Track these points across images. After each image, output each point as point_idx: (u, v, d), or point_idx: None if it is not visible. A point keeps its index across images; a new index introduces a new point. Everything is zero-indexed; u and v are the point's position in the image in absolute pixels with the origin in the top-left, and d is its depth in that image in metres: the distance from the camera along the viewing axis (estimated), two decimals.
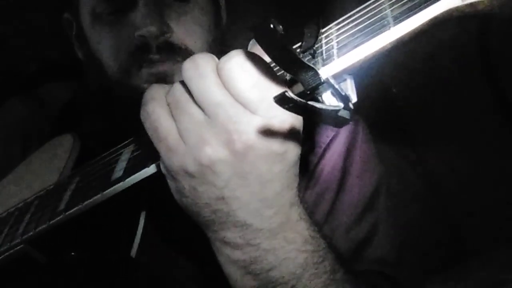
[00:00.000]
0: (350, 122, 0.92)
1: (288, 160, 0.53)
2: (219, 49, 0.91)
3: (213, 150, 0.50)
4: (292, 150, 0.53)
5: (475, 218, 1.46)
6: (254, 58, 0.49)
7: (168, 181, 0.56)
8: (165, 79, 0.82)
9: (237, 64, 0.49)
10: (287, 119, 0.50)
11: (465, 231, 1.48)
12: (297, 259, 0.56)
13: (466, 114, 1.39)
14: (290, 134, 0.51)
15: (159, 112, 0.53)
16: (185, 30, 0.84)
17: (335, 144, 0.91)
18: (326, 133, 0.91)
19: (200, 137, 0.50)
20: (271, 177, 0.52)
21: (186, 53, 0.84)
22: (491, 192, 1.42)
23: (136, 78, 0.83)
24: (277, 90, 0.49)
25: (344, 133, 0.92)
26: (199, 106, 0.51)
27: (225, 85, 0.50)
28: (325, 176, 0.89)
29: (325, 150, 0.91)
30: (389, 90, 1.40)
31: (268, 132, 0.49)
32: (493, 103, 1.37)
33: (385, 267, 0.87)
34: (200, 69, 0.50)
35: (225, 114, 0.49)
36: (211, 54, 0.52)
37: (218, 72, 0.50)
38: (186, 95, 0.52)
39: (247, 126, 0.49)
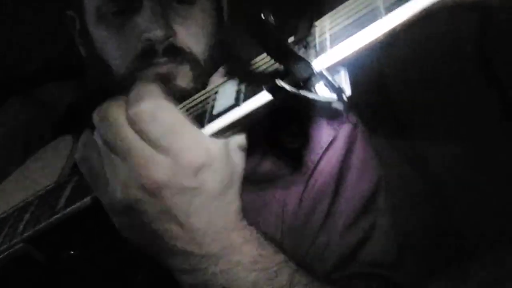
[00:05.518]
0: (349, 124, 0.93)
1: (208, 191, 0.55)
2: (220, 50, 0.92)
3: (132, 192, 0.53)
4: (212, 181, 0.55)
5: (475, 218, 1.46)
6: (163, 107, 0.53)
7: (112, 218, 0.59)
8: (168, 80, 0.83)
9: (146, 113, 0.52)
10: (200, 157, 0.53)
11: (465, 231, 1.48)
12: (248, 277, 0.57)
13: (466, 111, 1.39)
14: (206, 168, 0.54)
15: (91, 154, 0.57)
16: (189, 34, 0.85)
17: (334, 147, 0.92)
18: (327, 135, 0.92)
19: (119, 180, 0.53)
20: (194, 209, 0.54)
21: (190, 56, 0.85)
22: (492, 192, 1.42)
23: (141, 78, 0.83)
24: (190, 133, 0.53)
25: (343, 135, 0.92)
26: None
27: (137, 133, 0.53)
28: (324, 179, 0.90)
29: (323, 153, 0.91)
30: (387, 87, 1.40)
31: (177, 170, 0.52)
32: (493, 100, 1.37)
33: (382, 269, 0.88)
34: (109, 119, 0.54)
35: (135, 160, 0.52)
36: (120, 102, 0.55)
37: (129, 119, 0.53)
38: (101, 143, 0.56)
39: (156, 168, 0.52)
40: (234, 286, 0.57)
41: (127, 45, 0.84)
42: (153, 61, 0.83)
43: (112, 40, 0.86)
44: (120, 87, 0.85)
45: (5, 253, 0.70)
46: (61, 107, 1.05)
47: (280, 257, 0.60)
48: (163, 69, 0.83)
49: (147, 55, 0.83)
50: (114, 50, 0.86)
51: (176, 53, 0.83)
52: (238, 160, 0.59)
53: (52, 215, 0.67)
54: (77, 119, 1.00)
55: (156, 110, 0.53)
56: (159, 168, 0.52)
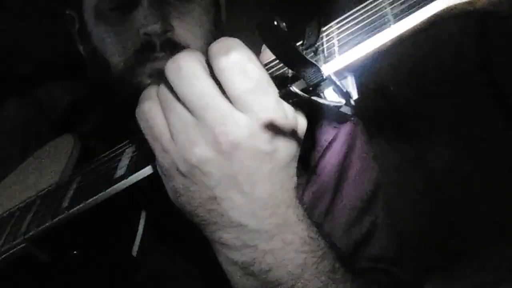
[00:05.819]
0: (350, 123, 0.94)
1: (278, 159, 0.52)
2: None
3: (201, 151, 0.50)
4: (283, 150, 0.52)
5: (473, 218, 1.47)
6: (253, 60, 0.49)
7: (164, 180, 0.56)
8: None
9: (236, 65, 0.48)
10: (279, 120, 0.50)
11: (463, 231, 1.49)
12: (296, 259, 0.56)
13: (465, 112, 1.40)
14: (281, 134, 0.51)
15: (155, 111, 0.53)
16: (186, 29, 0.86)
17: (335, 145, 0.92)
18: (327, 134, 0.92)
19: (188, 137, 0.50)
20: (261, 177, 0.52)
21: None
22: (491, 191, 1.43)
23: (140, 74, 0.84)
24: (275, 94, 0.49)
25: (343, 134, 0.93)
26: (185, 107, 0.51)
27: (222, 84, 0.49)
28: (324, 177, 0.91)
29: (325, 150, 0.92)
30: (387, 88, 1.41)
31: (256, 132, 0.49)
32: (492, 101, 1.38)
33: (384, 264, 0.88)
34: (183, 72, 0.50)
35: (211, 117, 0.49)
36: (196, 52, 0.51)
37: (214, 68, 0.49)
38: (172, 95, 0.51)
39: (234, 126, 0.49)
40: (282, 266, 0.56)
41: (125, 41, 0.85)
42: (151, 56, 0.84)
43: (111, 37, 0.87)
44: (120, 83, 0.86)
45: (8, 253, 0.70)
46: (61, 106, 1.05)
47: (325, 242, 0.60)
48: (161, 64, 0.83)
49: (145, 50, 0.83)
50: (113, 46, 0.87)
51: (174, 48, 0.84)
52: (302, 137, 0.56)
53: (56, 215, 0.67)
54: (78, 117, 1.00)
55: (247, 63, 0.48)
56: (236, 127, 0.49)
